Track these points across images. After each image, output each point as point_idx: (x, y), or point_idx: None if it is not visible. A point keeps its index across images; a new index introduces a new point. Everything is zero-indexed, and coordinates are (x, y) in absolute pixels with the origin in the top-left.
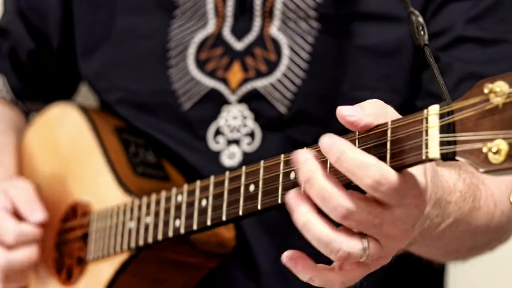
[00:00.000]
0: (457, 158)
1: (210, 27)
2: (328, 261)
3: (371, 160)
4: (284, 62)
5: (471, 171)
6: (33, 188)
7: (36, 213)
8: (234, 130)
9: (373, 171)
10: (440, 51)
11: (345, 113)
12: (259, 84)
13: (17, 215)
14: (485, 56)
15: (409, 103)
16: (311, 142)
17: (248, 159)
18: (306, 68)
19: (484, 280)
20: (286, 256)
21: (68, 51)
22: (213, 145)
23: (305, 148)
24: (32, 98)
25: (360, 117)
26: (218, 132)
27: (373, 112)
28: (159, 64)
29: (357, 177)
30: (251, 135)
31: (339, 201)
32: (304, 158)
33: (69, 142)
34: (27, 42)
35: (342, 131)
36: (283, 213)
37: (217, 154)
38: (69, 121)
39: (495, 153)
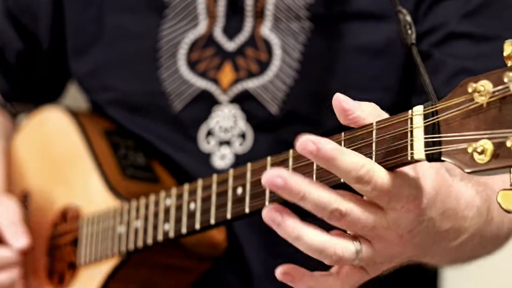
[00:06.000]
0: (442, 158)
1: (202, 28)
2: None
3: (359, 158)
4: (276, 62)
5: (485, 182)
6: (18, 206)
7: (20, 239)
8: (225, 131)
9: (362, 170)
10: (433, 47)
11: (342, 97)
12: (250, 84)
13: None
14: (478, 52)
15: (402, 102)
16: None
17: (240, 160)
18: (297, 69)
19: (478, 278)
20: (280, 273)
21: (58, 52)
22: (204, 146)
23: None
24: (20, 99)
25: (355, 107)
26: (209, 133)
27: (369, 111)
28: (149, 65)
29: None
30: (243, 136)
31: (335, 206)
32: (293, 180)
33: (58, 146)
34: (16, 43)
35: (334, 131)
36: None
37: (208, 156)
38: (58, 125)
39: (480, 153)
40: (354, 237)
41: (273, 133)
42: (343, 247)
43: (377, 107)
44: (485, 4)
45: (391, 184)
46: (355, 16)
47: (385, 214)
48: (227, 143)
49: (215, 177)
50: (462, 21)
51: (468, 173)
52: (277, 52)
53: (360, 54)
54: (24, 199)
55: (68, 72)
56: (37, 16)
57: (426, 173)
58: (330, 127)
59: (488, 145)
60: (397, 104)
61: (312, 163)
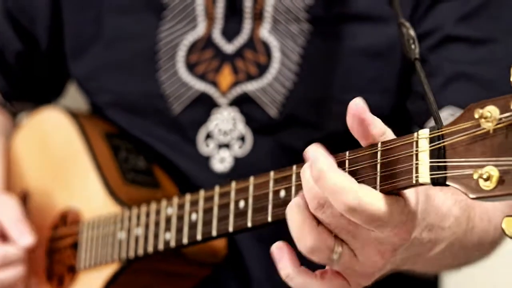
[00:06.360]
0: (448, 183)
1: (200, 29)
2: None
3: (349, 184)
4: (275, 65)
5: None
6: (19, 205)
7: (25, 237)
8: (224, 133)
9: (349, 197)
10: (429, 51)
11: (362, 107)
12: (249, 87)
13: (2, 234)
14: (475, 55)
15: (401, 105)
16: (303, 145)
17: (239, 163)
18: (297, 71)
19: (479, 278)
20: (277, 246)
21: (56, 52)
22: (203, 149)
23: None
24: (20, 99)
25: (371, 120)
26: (208, 136)
27: (380, 127)
28: (148, 67)
29: (333, 199)
30: (242, 139)
31: (316, 191)
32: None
33: (58, 148)
34: (15, 44)
35: (334, 134)
36: None
37: (207, 159)
38: (58, 126)
39: (486, 179)
40: (339, 242)
41: (272, 136)
42: (322, 235)
43: (384, 126)
44: (483, 6)
45: (382, 212)
46: (354, 18)
47: (368, 232)
48: (227, 146)
49: (217, 188)
50: (459, 24)
51: (473, 199)
52: (276, 54)
53: (359, 56)
54: (23, 200)
55: (68, 73)
56: (35, 18)
57: (418, 197)
58: (330, 130)
59: (494, 172)
60: (396, 107)
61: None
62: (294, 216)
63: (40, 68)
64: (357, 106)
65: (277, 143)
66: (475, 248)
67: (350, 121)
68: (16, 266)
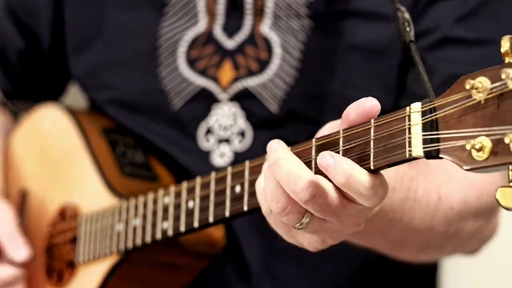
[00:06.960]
0: (441, 155)
1: (201, 25)
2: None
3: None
4: (276, 61)
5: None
6: (13, 214)
7: (20, 251)
8: (224, 129)
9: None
10: (426, 51)
11: (378, 106)
12: (250, 83)
13: None
14: (471, 57)
15: (398, 104)
16: (302, 141)
17: (239, 158)
18: (298, 67)
19: (478, 278)
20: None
21: (58, 50)
22: (203, 144)
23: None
24: (21, 98)
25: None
26: (208, 131)
27: None
28: (149, 63)
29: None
30: (242, 134)
31: (303, 186)
32: (275, 145)
33: (56, 144)
34: (17, 42)
35: None
36: None
37: (207, 153)
38: (55, 123)
39: (479, 150)
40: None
41: (272, 131)
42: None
43: None
44: (481, 6)
45: (374, 186)
46: (356, 15)
47: (353, 206)
48: (227, 141)
49: (213, 175)
50: (456, 25)
51: (467, 170)
52: (277, 50)
53: (360, 53)
54: (22, 198)
55: (69, 71)
56: (38, 15)
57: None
58: None
59: (486, 142)
60: (396, 105)
61: (310, 161)
62: (270, 177)
63: (42, 67)
64: (374, 108)
65: (277, 138)
66: (426, 227)
67: (355, 118)
68: (16, 285)
